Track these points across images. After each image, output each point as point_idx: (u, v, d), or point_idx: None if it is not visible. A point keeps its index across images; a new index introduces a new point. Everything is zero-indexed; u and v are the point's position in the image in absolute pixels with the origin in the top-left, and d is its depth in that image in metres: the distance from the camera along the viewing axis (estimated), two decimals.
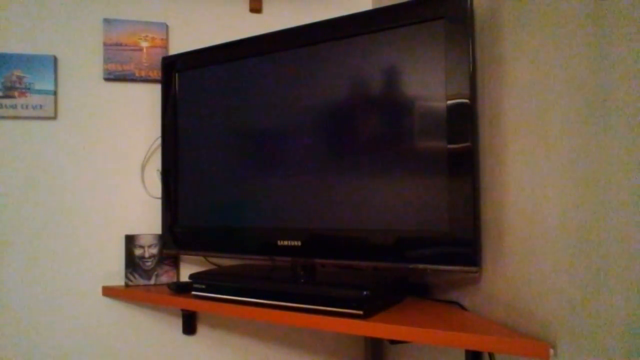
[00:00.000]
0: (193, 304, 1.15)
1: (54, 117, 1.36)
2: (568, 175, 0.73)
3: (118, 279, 1.38)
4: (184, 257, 1.42)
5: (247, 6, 1.48)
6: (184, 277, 1.40)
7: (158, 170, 1.41)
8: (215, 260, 1.41)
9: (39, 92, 1.33)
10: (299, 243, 1.10)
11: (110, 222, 1.38)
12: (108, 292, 1.36)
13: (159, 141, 1.39)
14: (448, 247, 0.92)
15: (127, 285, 1.35)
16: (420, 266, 0.95)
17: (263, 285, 1.05)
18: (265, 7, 1.49)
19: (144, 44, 1.39)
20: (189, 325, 1.41)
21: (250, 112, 1.19)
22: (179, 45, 1.43)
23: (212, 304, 1.10)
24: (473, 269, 0.90)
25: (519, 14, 0.86)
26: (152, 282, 1.36)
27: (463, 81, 0.91)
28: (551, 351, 0.74)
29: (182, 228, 1.31)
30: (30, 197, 1.34)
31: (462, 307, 1.01)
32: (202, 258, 1.41)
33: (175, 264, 1.40)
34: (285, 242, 1.11)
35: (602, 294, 0.66)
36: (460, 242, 0.91)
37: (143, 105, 1.41)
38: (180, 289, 1.24)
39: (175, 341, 1.41)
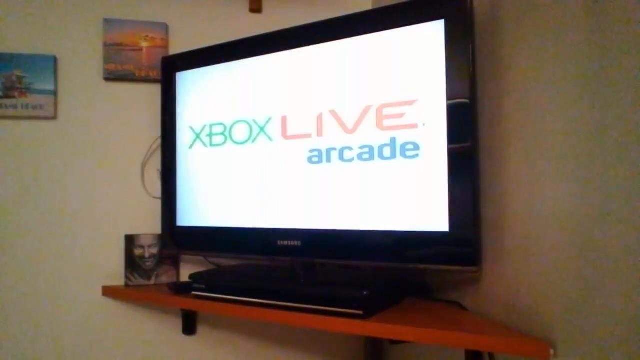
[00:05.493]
0: (193, 304, 1.15)
1: (54, 117, 1.36)
2: (568, 175, 0.73)
3: (118, 279, 1.38)
4: (184, 257, 1.42)
5: (247, 6, 1.47)
6: (184, 277, 1.40)
7: (158, 170, 1.41)
8: (215, 260, 1.41)
9: (39, 92, 1.33)
10: (299, 243, 1.10)
11: (110, 222, 1.38)
12: (108, 292, 1.36)
13: (159, 141, 1.39)
14: (448, 247, 0.92)
15: (127, 285, 1.35)
16: (421, 266, 0.95)
17: (263, 285, 1.05)
18: (265, 7, 1.49)
19: (144, 44, 1.39)
20: (189, 325, 1.41)
21: (250, 112, 1.19)
22: (179, 45, 1.43)
23: (212, 304, 1.10)
24: (473, 269, 0.90)
25: (518, 14, 0.86)
26: (152, 282, 1.36)
27: (463, 81, 0.91)
28: (551, 351, 0.74)
29: (182, 228, 1.30)
30: (30, 197, 1.34)
31: (462, 307, 1.01)
32: (202, 258, 1.41)
33: (175, 264, 1.40)
34: (285, 242, 1.11)
35: (602, 294, 0.66)
36: (460, 242, 0.91)
37: (143, 105, 1.41)
38: (180, 289, 1.24)
39: (175, 341, 1.41)
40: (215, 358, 1.43)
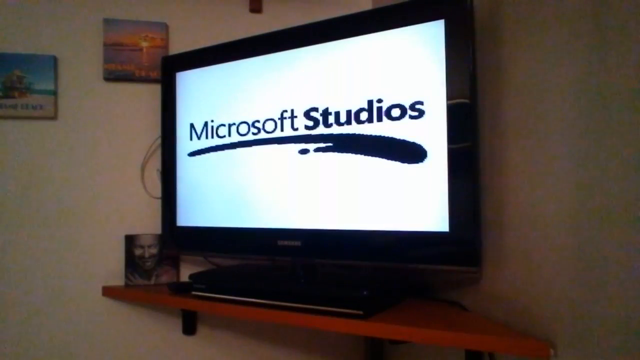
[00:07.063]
0: (193, 304, 1.15)
1: (54, 117, 1.36)
2: (568, 175, 0.73)
3: (118, 279, 1.37)
4: (184, 257, 1.42)
5: (247, 6, 1.47)
6: (184, 277, 1.40)
7: (158, 170, 1.41)
8: (215, 260, 1.41)
9: (39, 92, 1.33)
10: (299, 243, 1.10)
11: (110, 222, 1.38)
12: (108, 292, 1.36)
13: (159, 141, 1.39)
14: (448, 247, 0.92)
15: (127, 285, 1.34)
16: (421, 266, 0.95)
17: (263, 285, 1.05)
18: (265, 7, 1.49)
19: (144, 44, 1.39)
20: (189, 325, 1.41)
21: (250, 112, 1.19)
22: (179, 45, 1.43)
23: (212, 304, 1.10)
24: (473, 269, 0.90)
25: (519, 15, 0.86)
26: (152, 282, 1.36)
27: (463, 81, 0.91)
28: (551, 351, 0.74)
29: (182, 228, 1.30)
30: (30, 197, 1.34)
31: (462, 307, 1.01)
32: (202, 258, 1.41)
33: (175, 264, 1.40)
34: (285, 242, 1.11)
35: (602, 294, 0.66)
36: (461, 242, 0.91)
37: (143, 105, 1.41)
38: (180, 289, 1.24)
39: (175, 341, 1.41)
40: (215, 358, 1.43)
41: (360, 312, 0.91)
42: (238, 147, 1.21)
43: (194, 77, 1.29)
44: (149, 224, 1.40)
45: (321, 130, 1.08)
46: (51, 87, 1.34)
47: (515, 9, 0.87)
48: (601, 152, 0.66)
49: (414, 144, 0.96)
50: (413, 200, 0.96)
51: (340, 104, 1.06)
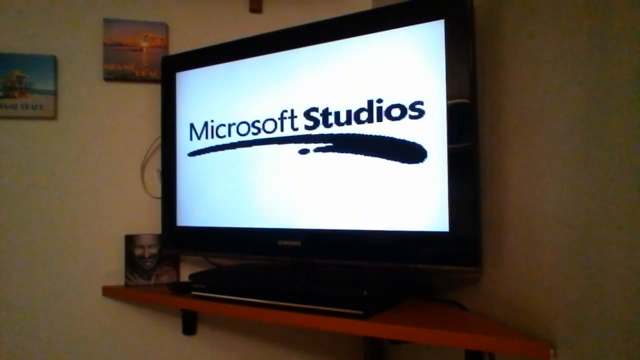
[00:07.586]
0: (193, 304, 1.15)
1: (54, 117, 1.35)
2: (568, 175, 0.73)
3: (118, 279, 1.37)
4: (184, 257, 1.42)
5: (247, 6, 1.47)
6: (184, 277, 1.40)
7: (158, 170, 1.41)
8: (215, 260, 1.41)
9: (39, 92, 1.33)
10: (299, 243, 1.10)
11: (110, 222, 1.38)
12: (108, 292, 1.36)
13: (159, 141, 1.39)
14: (448, 247, 0.92)
15: (127, 285, 1.34)
16: (421, 266, 0.95)
17: (263, 285, 1.05)
18: (265, 7, 1.49)
19: (144, 44, 1.39)
20: (189, 325, 1.41)
21: (250, 112, 1.19)
22: (179, 45, 1.43)
23: (212, 304, 1.10)
24: (473, 269, 0.90)
25: (519, 14, 0.86)
26: (152, 282, 1.36)
27: (463, 81, 0.91)
28: (551, 351, 0.74)
29: (182, 228, 1.30)
30: (30, 197, 1.34)
31: (462, 307, 1.01)
32: (202, 258, 1.41)
33: (175, 264, 1.40)
34: (285, 242, 1.11)
35: (602, 294, 0.66)
36: (461, 242, 0.91)
37: (143, 105, 1.41)
38: (180, 289, 1.24)
39: (175, 341, 1.41)
40: (215, 358, 1.43)
41: (360, 312, 0.91)
42: (238, 147, 1.21)
43: (194, 77, 1.29)
44: (149, 224, 1.40)
45: (321, 130, 1.08)
46: (51, 87, 1.34)
47: (515, 9, 0.87)
48: (601, 152, 0.66)
49: (414, 144, 0.96)
50: (413, 200, 0.96)
51: (340, 104, 1.06)
